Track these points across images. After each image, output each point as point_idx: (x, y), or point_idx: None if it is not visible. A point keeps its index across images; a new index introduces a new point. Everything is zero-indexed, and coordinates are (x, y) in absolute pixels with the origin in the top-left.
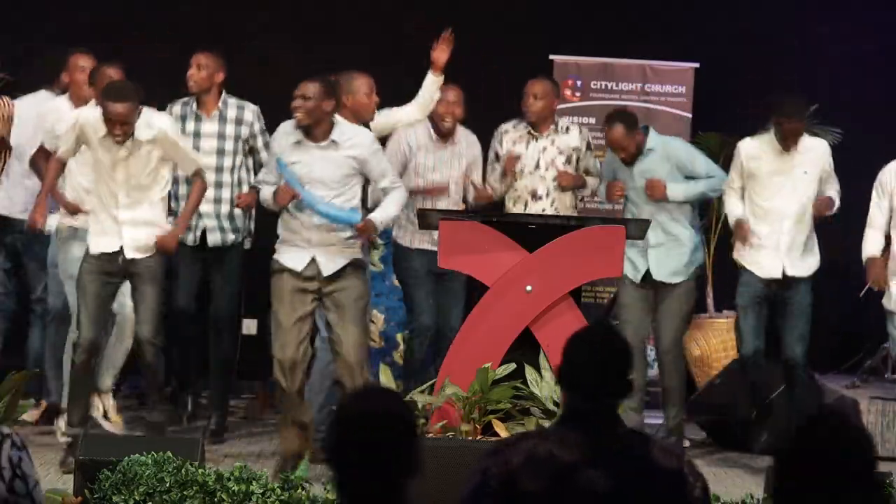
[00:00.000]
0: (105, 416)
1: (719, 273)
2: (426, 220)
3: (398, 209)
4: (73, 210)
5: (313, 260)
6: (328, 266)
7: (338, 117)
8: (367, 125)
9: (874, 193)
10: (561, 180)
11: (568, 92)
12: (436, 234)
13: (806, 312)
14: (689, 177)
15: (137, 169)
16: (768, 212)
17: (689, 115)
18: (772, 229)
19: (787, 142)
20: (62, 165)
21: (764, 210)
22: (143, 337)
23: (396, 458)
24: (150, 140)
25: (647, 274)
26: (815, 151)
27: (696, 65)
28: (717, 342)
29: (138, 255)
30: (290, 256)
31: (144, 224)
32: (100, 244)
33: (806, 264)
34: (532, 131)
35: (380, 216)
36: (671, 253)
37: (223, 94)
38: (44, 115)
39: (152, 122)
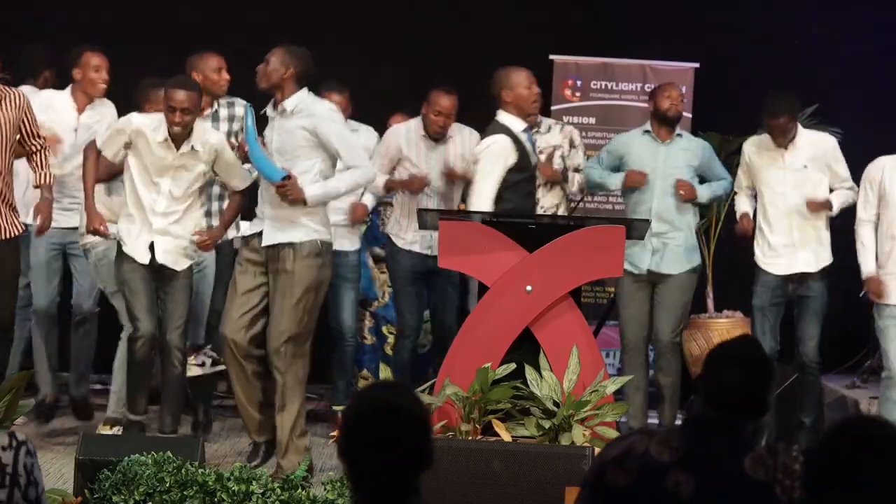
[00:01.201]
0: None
1: (719, 273)
2: (426, 220)
3: (346, 187)
4: (96, 231)
5: (261, 232)
6: (267, 237)
7: (304, 91)
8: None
9: (862, 190)
10: (541, 169)
11: (568, 92)
12: (426, 235)
13: (822, 310)
14: (701, 176)
15: (182, 182)
16: (775, 208)
17: (690, 116)
18: (780, 225)
19: (777, 139)
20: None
21: (771, 207)
22: (172, 343)
23: (408, 451)
24: (206, 153)
25: (650, 273)
26: (816, 146)
27: (696, 65)
28: (717, 342)
29: (169, 264)
30: (248, 225)
31: (175, 237)
32: (135, 253)
33: (818, 259)
34: None
35: (317, 187)
36: (674, 242)
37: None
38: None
39: (209, 137)
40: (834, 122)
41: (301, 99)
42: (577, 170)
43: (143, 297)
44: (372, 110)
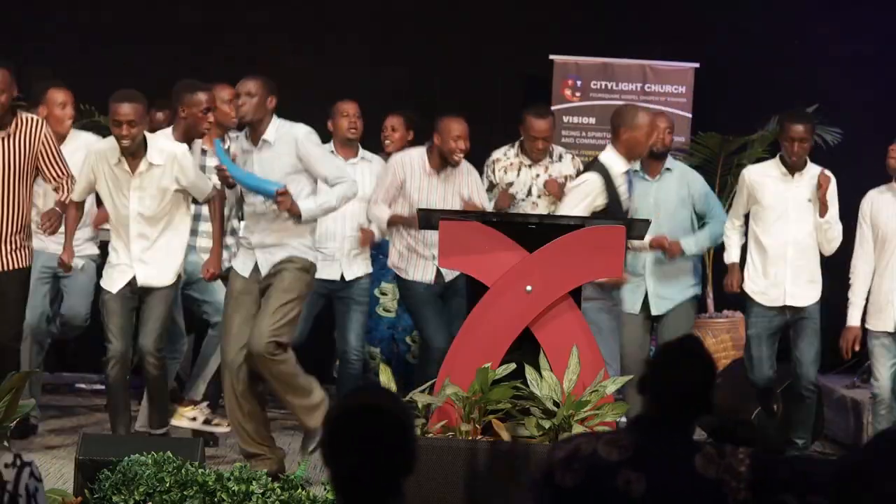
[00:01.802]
0: (207, 422)
1: (719, 273)
2: (426, 220)
3: (337, 201)
4: (61, 262)
5: (255, 267)
6: (264, 267)
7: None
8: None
9: (859, 220)
10: (548, 187)
11: (568, 92)
12: (432, 266)
13: (817, 334)
14: (697, 212)
15: (148, 201)
16: (772, 240)
17: (689, 115)
18: (776, 256)
19: (792, 153)
20: (79, 207)
21: (767, 238)
22: (145, 349)
23: (389, 454)
24: (167, 163)
25: (645, 303)
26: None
27: (696, 65)
28: (716, 342)
29: (151, 284)
30: (233, 259)
31: (158, 257)
32: (113, 281)
33: (810, 293)
34: (525, 159)
35: (310, 201)
36: (671, 280)
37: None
38: None
39: (166, 147)
40: (834, 122)
41: (278, 127)
42: None
43: (118, 318)
44: (372, 110)
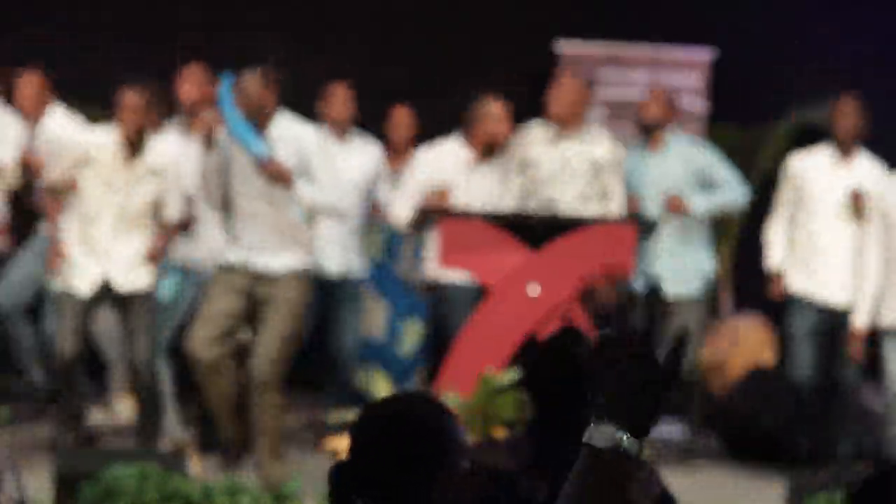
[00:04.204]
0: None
1: (736, 277)
2: (427, 219)
3: (330, 205)
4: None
5: (248, 259)
6: (258, 264)
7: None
8: None
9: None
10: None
11: None
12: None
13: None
14: (708, 184)
15: (135, 197)
16: (820, 233)
17: (704, 106)
18: (823, 250)
19: (842, 133)
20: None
21: (815, 231)
22: (140, 366)
23: (417, 478)
24: (156, 169)
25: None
26: (872, 172)
27: (712, 53)
28: (730, 345)
29: (129, 289)
30: (225, 250)
31: (135, 256)
32: (73, 281)
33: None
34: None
35: (302, 187)
36: (684, 262)
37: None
38: None
39: (165, 151)
40: None
41: (284, 124)
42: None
43: (70, 321)
44: (372, 110)
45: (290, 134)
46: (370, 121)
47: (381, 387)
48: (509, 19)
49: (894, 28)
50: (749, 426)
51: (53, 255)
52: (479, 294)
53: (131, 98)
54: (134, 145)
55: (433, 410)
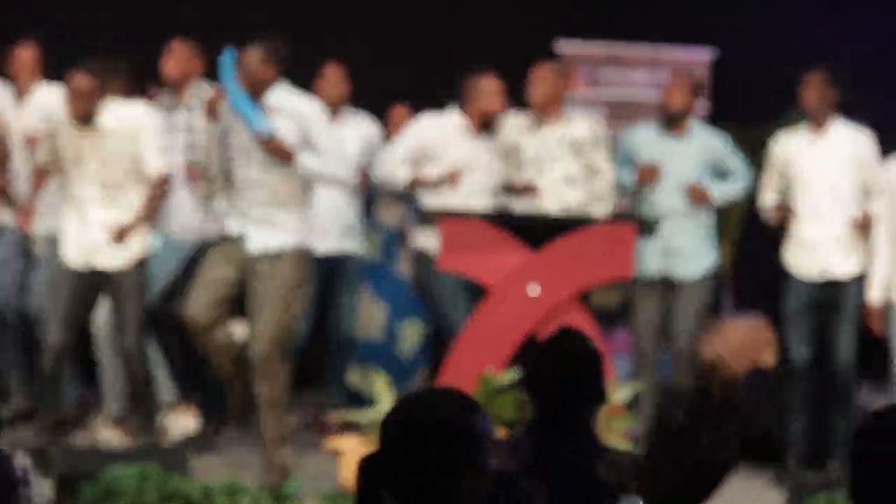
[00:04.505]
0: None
1: (738, 276)
2: (428, 218)
3: (335, 174)
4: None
5: (244, 235)
6: (255, 242)
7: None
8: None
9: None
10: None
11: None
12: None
13: (855, 316)
14: (721, 172)
15: (110, 164)
16: (806, 207)
17: (706, 105)
18: (812, 225)
19: (813, 114)
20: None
21: (804, 208)
22: (130, 350)
23: (446, 476)
24: (116, 130)
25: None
26: (855, 141)
27: (712, 53)
28: (732, 348)
29: (112, 266)
30: (226, 220)
31: (112, 228)
32: (67, 256)
33: (850, 262)
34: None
35: (308, 156)
36: (693, 242)
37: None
38: None
39: (121, 113)
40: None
41: (283, 95)
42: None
43: (67, 303)
44: (372, 110)
45: (289, 105)
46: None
47: (380, 387)
48: (509, 19)
49: (894, 28)
50: (749, 427)
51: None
52: None
53: (80, 81)
54: (86, 118)
55: (464, 408)
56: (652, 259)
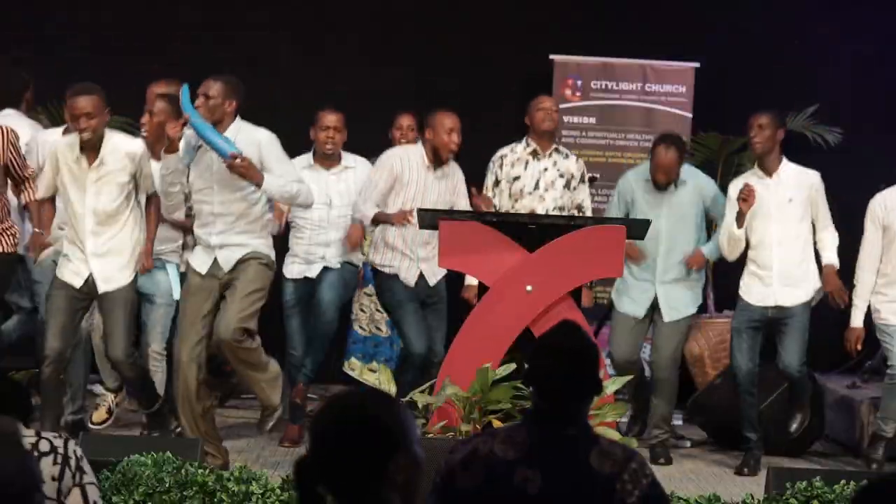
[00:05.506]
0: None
1: (719, 273)
2: (428, 219)
3: (296, 194)
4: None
5: (215, 262)
6: (226, 263)
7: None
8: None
9: (867, 224)
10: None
11: (568, 92)
12: (416, 268)
13: (802, 334)
14: (706, 212)
15: (104, 197)
16: (758, 240)
17: (690, 115)
18: (762, 257)
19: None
20: (49, 204)
21: (754, 239)
22: (115, 358)
23: (374, 468)
24: (118, 163)
25: (650, 310)
26: (800, 181)
27: (697, 65)
28: (716, 342)
29: (108, 287)
30: (191, 257)
31: (112, 254)
32: (65, 275)
33: (799, 292)
34: (534, 152)
35: (272, 178)
36: (683, 290)
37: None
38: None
39: (121, 146)
40: (834, 122)
41: (239, 129)
42: (579, 207)
43: (62, 316)
44: (372, 110)
45: (244, 135)
46: (370, 121)
47: (385, 379)
48: (509, 20)
49: (894, 28)
50: (729, 419)
51: (35, 244)
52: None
53: (86, 103)
54: (94, 148)
55: (382, 402)
56: (639, 306)
